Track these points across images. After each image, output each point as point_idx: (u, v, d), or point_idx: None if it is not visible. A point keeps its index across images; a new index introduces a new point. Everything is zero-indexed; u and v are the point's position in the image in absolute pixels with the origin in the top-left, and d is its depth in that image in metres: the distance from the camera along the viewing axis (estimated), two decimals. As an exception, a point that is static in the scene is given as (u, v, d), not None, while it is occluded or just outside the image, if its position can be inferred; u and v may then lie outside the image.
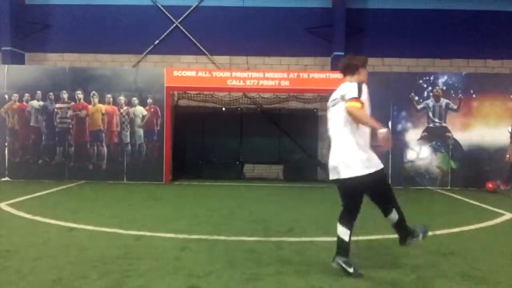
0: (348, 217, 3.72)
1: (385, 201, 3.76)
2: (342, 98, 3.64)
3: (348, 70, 3.82)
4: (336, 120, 3.75)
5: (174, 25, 12.46)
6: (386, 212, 3.77)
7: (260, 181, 11.45)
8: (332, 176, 3.84)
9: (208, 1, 12.50)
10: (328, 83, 10.58)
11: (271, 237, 5.12)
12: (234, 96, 12.00)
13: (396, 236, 3.98)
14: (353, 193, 3.70)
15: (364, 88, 3.64)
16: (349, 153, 3.63)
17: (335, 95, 3.79)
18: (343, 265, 3.65)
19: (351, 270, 3.64)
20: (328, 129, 3.91)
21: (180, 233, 5.23)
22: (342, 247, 3.69)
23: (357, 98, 3.53)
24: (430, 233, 5.14)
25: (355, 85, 3.61)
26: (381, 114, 8.86)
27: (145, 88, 10.63)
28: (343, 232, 3.68)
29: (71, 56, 12.57)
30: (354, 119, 3.55)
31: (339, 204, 3.83)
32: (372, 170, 3.60)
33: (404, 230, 3.84)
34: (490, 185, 9.76)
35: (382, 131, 3.42)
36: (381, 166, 3.68)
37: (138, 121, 10.67)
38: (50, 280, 3.54)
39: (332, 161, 3.78)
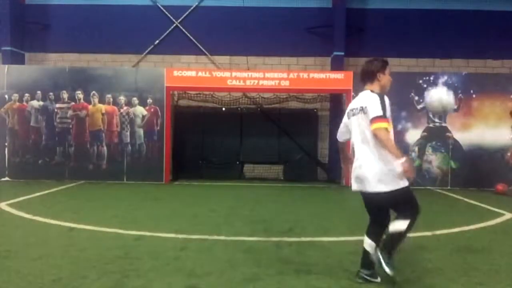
0: (378, 230, 3.58)
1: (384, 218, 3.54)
2: (362, 110, 3.42)
3: (366, 77, 3.58)
4: (357, 131, 3.54)
5: (174, 25, 12.44)
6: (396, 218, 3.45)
7: (260, 181, 11.44)
8: (359, 188, 3.56)
9: (208, 1, 12.48)
10: (328, 83, 10.62)
11: (271, 237, 5.12)
12: (234, 96, 12.00)
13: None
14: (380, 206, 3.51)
15: (387, 100, 3.38)
16: (374, 167, 3.39)
17: (355, 104, 3.56)
18: (369, 278, 3.56)
19: (378, 280, 3.57)
20: (350, 136, 3.72)
21: (180, 233, 5.24)
22: (367, 260, 3.57)
23: (382, 117, 3.28)
24: (428, 233, 5.17)
25: (376, 100, 3.35)
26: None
27: (145, 88, 10.64)
28: (369, 245, 3.55)
29: (71, 56, 12.55)
30: (378, 141, 3.33)
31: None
32: (404, 184, 3.37)
33: (394, 245, 3.41)
34: (500, 187, 9.65)
35: (402, 161, 3.20)
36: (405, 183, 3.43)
37: (138, 121, 10.67)
38: (50, 280, 3.54)
39: (359, 173, 3.50)
